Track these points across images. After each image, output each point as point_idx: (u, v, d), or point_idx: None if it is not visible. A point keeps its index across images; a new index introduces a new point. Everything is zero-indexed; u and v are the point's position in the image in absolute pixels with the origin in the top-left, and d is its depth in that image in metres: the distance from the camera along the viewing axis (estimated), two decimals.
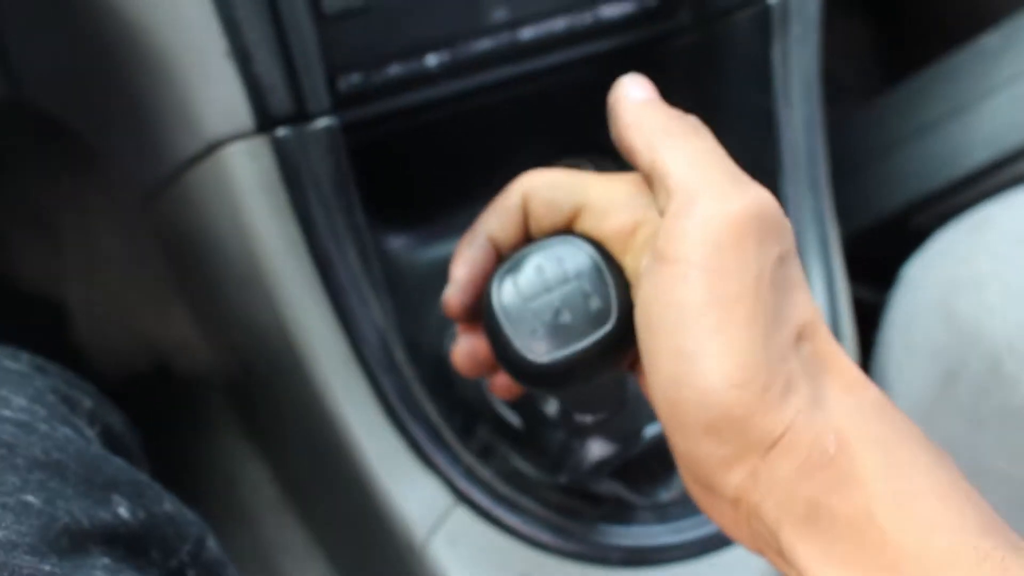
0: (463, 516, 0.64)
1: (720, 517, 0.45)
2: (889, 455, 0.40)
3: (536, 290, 0.49)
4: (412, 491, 0.64)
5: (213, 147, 0.61)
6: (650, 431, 0.65)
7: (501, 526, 0.64)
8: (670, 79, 0.79)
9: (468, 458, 0.65)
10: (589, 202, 0.50)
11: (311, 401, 0.65)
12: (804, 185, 0.73)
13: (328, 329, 0.63)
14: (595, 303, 0.48)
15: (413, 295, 0.71)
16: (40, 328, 1.00)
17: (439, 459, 0.64)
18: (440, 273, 0.73)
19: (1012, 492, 0.69)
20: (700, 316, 0.41)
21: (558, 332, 0.48)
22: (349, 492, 0.67)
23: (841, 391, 0.42)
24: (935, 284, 0.78)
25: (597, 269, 0.49)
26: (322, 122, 0.61)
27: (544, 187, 0.51)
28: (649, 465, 0.70)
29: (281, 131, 0.60)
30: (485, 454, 0.67)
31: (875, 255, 0.92)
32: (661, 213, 0.45)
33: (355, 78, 0.66)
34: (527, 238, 0.53)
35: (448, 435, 0.64)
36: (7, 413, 0.49)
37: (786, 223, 0.44)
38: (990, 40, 0.92)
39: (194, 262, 0.74)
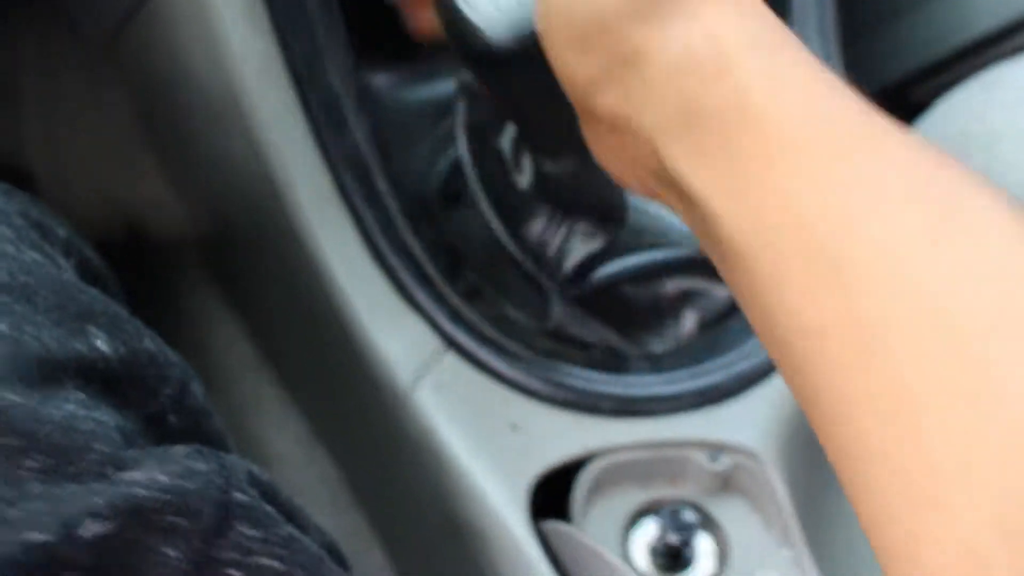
0: (451, 361, 0.61)
1: (610, 153, 0.44)
2: (766, 51, 0.38)
3: None
4: (396, 333, 0.61)
5: None
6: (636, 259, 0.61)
7: (490, 372, 0.62)
8: None
9: (454, 299, 0.62)
10: None
11: (288, 238, 0.62)
12: (813, 33, 0.70)
13: (306, 154, 0.60)
14: None
15: (397, 135, 0.68)
16: None
17: (424, 299, 0.61)
18: (424, 113, 0.70)
19: None
20: None
21: (521, 6, 0.43)
22: (330, 338, 0.64)
23: (723, 3, 0.39)
24: (945, 141, 0.75)
25: None
26: None
27: None
28: (640, 314, 0.67)
29: None
30: (471, 296, 0.64)
31: None
32: None
33: None
34: None
35: (433, 273, 0.61)
36: None
37: None
38: None
39: (164, 99, 0.70)
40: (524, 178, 0.60)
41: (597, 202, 0.59)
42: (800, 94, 0.36)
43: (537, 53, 0.43)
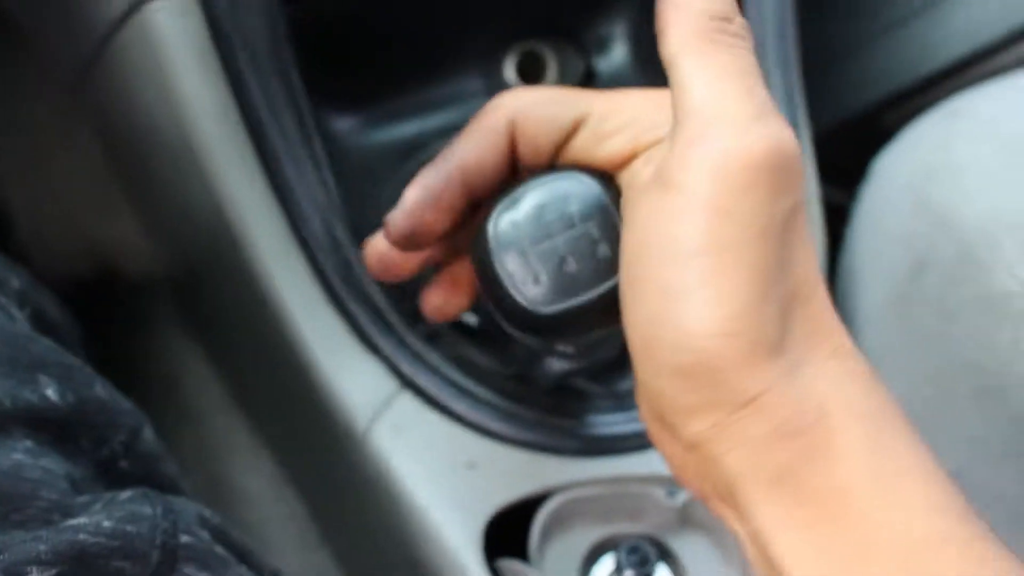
0: (408, 402, 0.61)
1: (670, 453, 0.42)
2: (871, 431, 0.37)
3: (538, 233, 0.44)
4: (353, 376, 0.61)
5: (136, 6, 0.57)
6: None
7: (448, 412, 0.62)
8: None
9: (414, 342, 0.62)
10: (592, 115, 0.45)
11: (249, 283, 0.62)
12: (774, 63, 0.70)
13: (263, 203, 0.59)
14: (603, 250, 0.44)
15: (359, 179, 0.68)
16: None
17: (383, 342, 0.61)
18: (386, 156, 0.70)
19: (981, 382, 0.67)
20: (696, 256, 0.37)
21: (562, 281, 0.44)
22: (290, 380, 0.64)
23: (829, 358, 0.39)
24: (908, 172, 0.75)
25: (605, 211, 0.44)
26: None
27: (540, 101, 0.46)
28: (607, 355, 0.67)
29: None
30: (432, 340, 0.64)
31: (844, 156, 0.90)
32: (672, 133, 0.40)
33: None
34: (511, 172, 0.47)
35: (393, 318, 0.61)
36: None
37: (802, 172, 0.39)
38: None
39: (127, 145, 0.70)
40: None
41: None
42: (907, 493, 0.36)
43: (575, 326, 0.45)
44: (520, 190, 0.45)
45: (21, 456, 0.43)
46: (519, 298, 0.44)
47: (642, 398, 0.42)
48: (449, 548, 0.59)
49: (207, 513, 0.48)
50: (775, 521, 0.37)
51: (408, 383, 0.61)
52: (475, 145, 0.46)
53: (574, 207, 0.44)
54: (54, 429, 0.46)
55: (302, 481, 0.82)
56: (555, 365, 0.60)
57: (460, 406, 0.62)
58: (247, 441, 0.86)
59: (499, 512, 0.60)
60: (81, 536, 0.41)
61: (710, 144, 0.38)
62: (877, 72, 0.93)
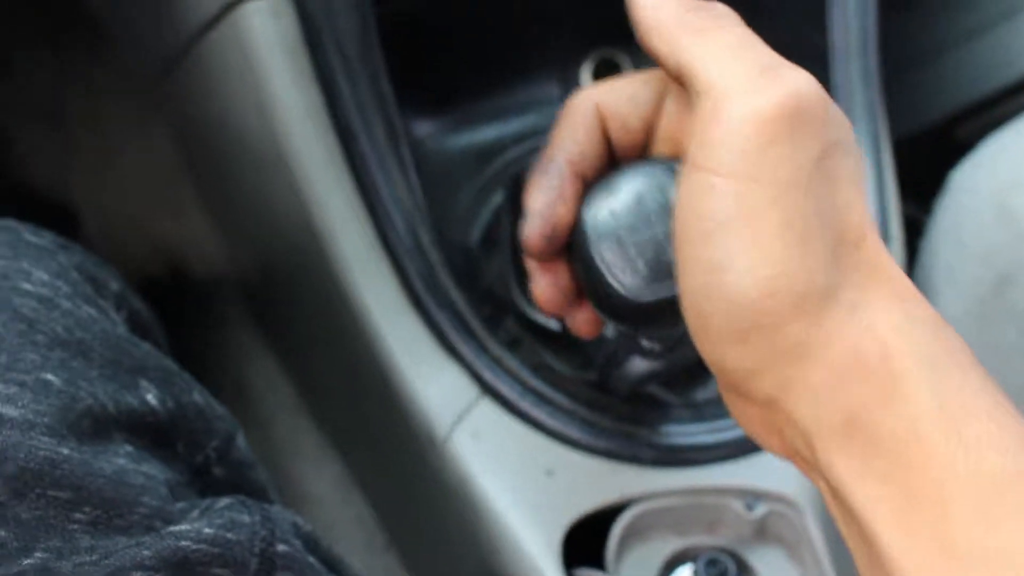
0: (488, 408, 0.61)
1: (751, 422, 0.42)
2: (937, 371, 0.37)
3: (636, 222, 0.44)
4: (435, 381, 0.61)
5: (231, 6, 0.57)
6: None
7: (527, 419, 0.61)
8: None
9: (495, 348, 0.61)
10: (673, 89, 0.45)
11: (331, 287, 0.62)
12: (856, 74, 0.70)
13: (350, 207, 0.60)
14: None
15: (440, 183, 0.68)
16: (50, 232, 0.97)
17: (464, 348, 0.61)
18: (464, 161, 0.70)
19: None
20: (730, 227, 0.38)
21: (660, 269, 0.44)
22: (369, 384, 0.64)
23: (888, 302, 0.38)
24: (989, 185, 0.74)
25: None
26: None
27: (618, 85, 0.46)
28: (685, 364, 0.67)
29: None
30: (512, 346, 0.64)
31: (917, 166, 0.89)
32: (691, 119, 0.40)
33: None
34: (608, 160, 0.47)
35: (475, 324, 0.61)
36: (27, 287, 0.46)
37: (831, 110, 0.39)
38: None
39: (208, 143, 0.71)
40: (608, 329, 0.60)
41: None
42: (976, 431, 0.35)
43: (671, 314, 0.44)
44: (616, 178, 0.45)
45: (124, 461, 0.43)
46: (617, 287, 0.44)
47: (717, 375, 0.42)
48: (527, 556, 0.59)
49: (300, 521, 0.48)
50: (850, 471, 0.37)
51: (489, 389, 0.61)
52: (572, 137, 0.46)
53: (672, 195, 0.44)
54: (153, 434, 0.46)
55: (371, 485, 0.82)
56: (637, 366, 0.59)
57: (539, 413, 0.61)
58: (314, 443, 0.86)
59: (577, 521, 0.60)
60: (183, 543, 0.42)
61: (723, 117, 0.38)
62: (952, 83, 0.92)
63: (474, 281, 0.66)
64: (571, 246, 0.46)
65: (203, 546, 0.42)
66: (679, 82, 0.42)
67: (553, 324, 0.65)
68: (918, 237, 0.83)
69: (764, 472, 0.63)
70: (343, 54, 0.57)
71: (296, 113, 0.58)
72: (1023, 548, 0.33)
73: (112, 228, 0.97)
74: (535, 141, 0.72)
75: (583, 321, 0.50)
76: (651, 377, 0.60)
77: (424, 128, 0.71)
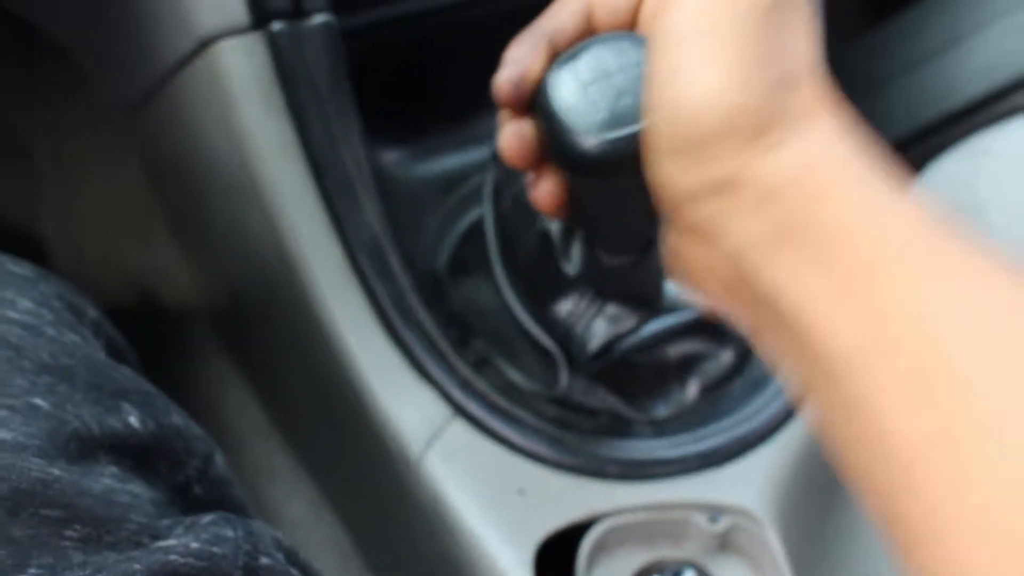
0: (459, 429, 0.63)
1: (694, 266, 0.45)
2: (862, 178, 0.39)
3: (595, 76, 0.47)
4: (407, 403, 0.63)
5: (206, 44, 0.59)
6: (646, 329, 0.64)
7: (498, 439, 0.63)
8: None
9: (464, 369, 0.63)
10: None
11: (303, 311, 0.63)
12: None
13: (321, 234, 0.61)
14: None
15: (407, 210, 0.70)
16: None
17: (434, 370, 0.63)
18: (430, 188, 0.72)
19: None
20: (686, 40, 0.41)
21: (616, 114, 0.46)
22: (342, 407, 0.66)
23: (820, 132, 0.41)
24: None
25: None
26: (318, 18, 0.59)
27: None
28: (645, 380, 0.69)
29: (276, 25, 0.58)
30: (480, 366, 0.66)
31: None
32: None
33: None
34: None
35: (443, 345, 0.63)
36: (13, 315, 0.48)
37: None
38: None
39: (181, 175, 0.72)
40: (571, 266, 0.62)
41: (639, 292, 0.61)
42: (899, 218, 0.37)
43: (628, 161, 0.45)
44: (582, 44, 0.48)
45: (110, 481, 0.45)
46: (576, 131, 0.46)
47: (663, 199, 0.44)
48: (501, 573, 0.61)
49: (279, 535, 0.50)
50: (782, 274, 0.39)
51: (459, 410, 0.63)
52: (556, 15, 0.50)
53: (630, 55, 0.47)
54: (136, 455, 0.48)
55: (345, 506, 0.83)
56: (599, 330, 0.61)
57: (509, 432, 0.63)
58: (288, 466, 0.87)
59: (548, 537, 0.62)
60: (171, 557, 0.43)
61: None
62: (901, 108, 0.95)
63: (442, 304, 0.68)
64: (535, 104, 0.48)
65: (190, 560, 0.44)
66: None
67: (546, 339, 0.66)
68: None
69: (726, 487, 0.65)
70: (314, 88, 0.59)
71: (268, 145, 0.60)
72: (947, 310, 0.35)
73: (82, 259, 0.98)
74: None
75: (544, 192, 0.53)
76: (613, 343, 0.62)
77: (392, 156, 0.73)
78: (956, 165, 0.79)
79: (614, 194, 0.49)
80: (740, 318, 0.44)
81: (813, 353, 0.39)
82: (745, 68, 0.40)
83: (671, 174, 0.42)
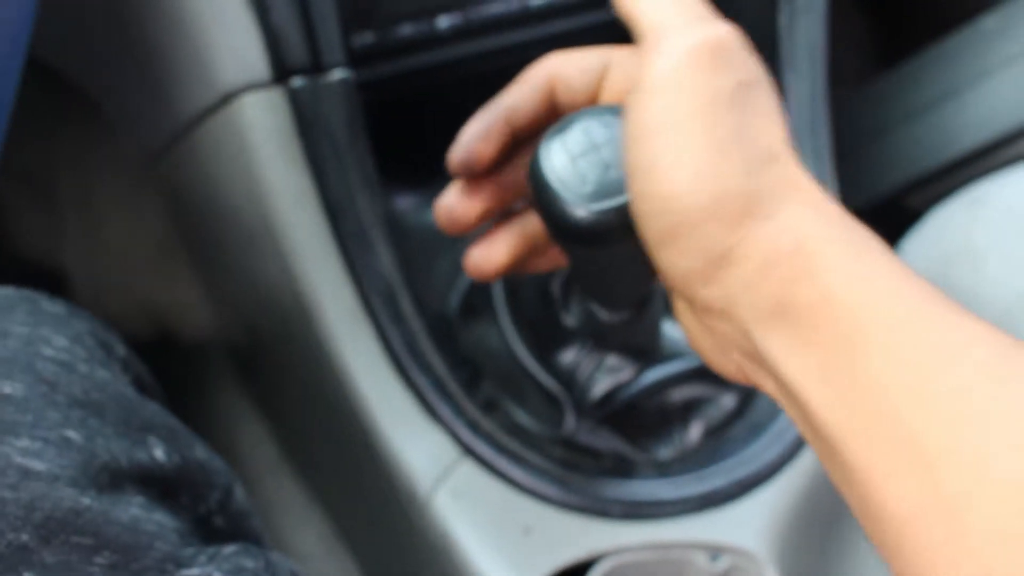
0: (468, 469, 0.65)
1: (703, 339, 0.47)
2: (847, 248, 0.41)
3: (584, 148, 0.49)
4: (417, 443, 0.65)
5: (228, 98, 0.62)
6: (650, 376, 0.66)
7: (505, 479, 0.65)
8: None
9: (472, 411, 0.65)
10: (615, 58, 0.52)
11: (317, 353, 0.66)
12: (808, 154, 0.74)
13: (336, 280, 0.63)
14: None
15: (419, 254, 0.72)
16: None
17: (444, 411, 0.65)
18: (441, 233, 0.74)
19: None
20: (659, 134, 0.44)
21: (605, 186, 0.48)
22: (354, 446, 0.68)
23: (802, 207, 0.43)
24: (932, 257, 0.79)
25: None
26: (337, 74, 0.62)
27: (574, 55, 0.53)
28: (648, 423, 0.71)
29: (297, 81, 0.61)
30: (489, 408, 0.68)
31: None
32: (638, 54, 0.48)
33: (368, 36, 0.67)
34: (548, 116, 0.54)
35: (453, 388, 0.65)
36: (49, 352, 0.50)
37: (749, 57, 0.46)
38: (987, 21, 0.94)
39: (201, 219, 0.75)
40: (571, 319, 0.65)
41: (637, 344, 0.63)
42: (880, 287, 0.39)
43: (619, 230, 0.48)
44: (570, 117, 0.51)
45: (137, 511, 0.47)
46: (568, 197, 0.49)
47: (667, 282, 0.47)
48: None
49: (297, 568, 0.52)
50: (783, 350, 0.41)
51: (468, 450, 0.65)
52: (518, 92, 0.54)
53: (617, 129, 0.49)
54: (161, 486, 0.50)
55: (356, 541, 0.85)
56: (600, 379, 0.63)
57: (516, 472, 0.65)
58: (301, 501, 0.89)
59: (552, 575, 0.64)
60: None
61: (660, 49, 0.45)
62: (902, 156, 0.97)
63: (452, 347, 0.70)
64: (529, 172, 0.51)
65: None
66: (632, 28, 0.48)
67: (525, 358, 0.69)
68: None
69: (726, 527, 0.67)
70: (332, 140, 0.62)
71: (287, 195, 0.62)
72: (925, 379, 0.37)
73: (101, 293, 1.00)
74: None
75: (474, 258, 0.57)
76: (615, 391, 0.64)
77: (406, 202, 0.75)
78: (954, 213, 0.81)
79: (607, 260, 0.52)
80: (760, 387, 0.45)
81: (812, 424, 0.40)
82: (720, 153, 0.43)
83: (672, 260, 0.44)
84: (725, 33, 0.45)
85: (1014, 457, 0.34)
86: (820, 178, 0.75)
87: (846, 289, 0.40)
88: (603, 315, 0.59)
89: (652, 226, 0.44)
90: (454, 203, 0.56)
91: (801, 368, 0.41)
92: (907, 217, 0.90)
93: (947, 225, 0.80)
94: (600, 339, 0.63)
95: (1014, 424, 0.35)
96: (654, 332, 0.63)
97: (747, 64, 0.46)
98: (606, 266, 0.54)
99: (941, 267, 0.77)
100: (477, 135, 0.54)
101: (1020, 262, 0.73)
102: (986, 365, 0.37)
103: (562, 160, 0.49)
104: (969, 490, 0.35)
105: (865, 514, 0.39)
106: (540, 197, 0.50)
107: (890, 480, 0.37)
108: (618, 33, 0.74)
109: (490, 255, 0.57)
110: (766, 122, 0.45)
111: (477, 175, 0.55)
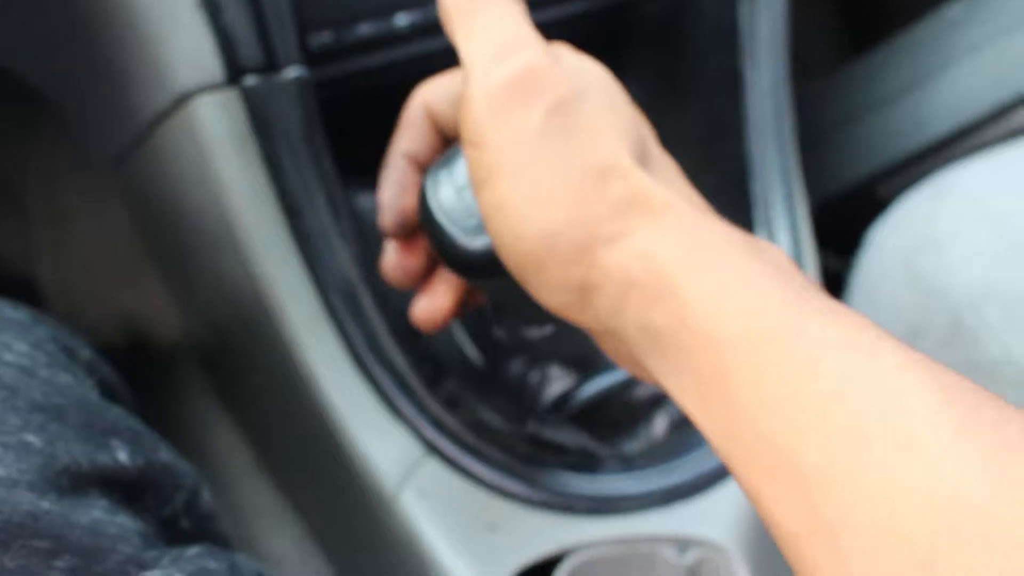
0: (433, 467, 0.65)
1: (616, 355, 0.47)
2: (702, 266, 0.40)
3: (468, 182, 0.49)
4: (382, 442, 0.65)
5: (183, 100, 0.61)
6: (593, 385, 0.66)
7: (470, 476, 0.65)
8: (640, 42, 0.81)
9: (436, 408, 0.65)
10: None
11: (280, 353, 0.65)
12: (770, 145, 0.74)
13: (296, 278, 0.63)
14: None
15: (381, 252, 0.72)
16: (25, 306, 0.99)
17: (407, 409, 0.65)
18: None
19: None
20: (487, 182, 0.44)
21: None
22: (319, 446, 0.68)
23: (648, 226, 0.42)
24: (899, 246, 0.79)
25: None
26: (291, 72, 0.61)
27: (442, 82, 0.54)
28: (613, 417, 0.71)
29: (250, 80, 0.61)
30: (452, 404, 0.68)
31: (841, 224, 0.94)
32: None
33: (326, 36, 0.67)
34: (443, 144, 0.54)
35: (415, 384, 0.65)
36: (9, 357, 0.50)
37: (565, 73, 0.45)
38: (952, 10, 0.94)
39: (164, 223, 0.74)
40: (504, 334, 0.65)
41: (571, 355, 0.63)
42: (741, 310, 0.39)
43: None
44: (450, 152, 0.51)
45: (99, 514, 0.47)
46: (457, 237, 0.49)
47: (554, 312, 0.46)
48: None
49: (262, 569, 0.52)
50: (660, 372, 0.41)
51: (432, 448, 0.65)
52: (406, 135, 0.55)
53: None
54: (124, 489, 0.50)
55: (329, 542, 0.85)
56: (549, 387, 0.64)
57: (481, 469, 0.65)
58: (272, 504, 0.89)
59: (519, 572, 0.64)
60: None
61: (466, 97, 0.45)
62: (870, 145, 0.97)
63: (415, 344, 0.70)
64: (418, 212, 0.51)
65: None
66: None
67: (473, 353, 0.69)
68: (842, 288, 0.88)
69: (693, 520, 0.67)
70: (288, 139, 0.62)
71: (245, 195, 0.62)
72: (788, 396, 0.36)
73: (74, 301, 1.00)
74: None
75: (420, 310, 0.57)
76: (567, 397, 0.64)
77: (367, 201, 0.75)
78: (919, 202, 0.81)
79: (505, 285, 0.51)
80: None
81: (711, 442, 0.40)
82: (541, 189, 0.42)
83: (541, 294, 0.45)
84: (528, 61, 0.44)
85: (883, 471, 0.33)
86: (784, 169, 0.74)
87: (703, 312, 0.39)
88: (525, 332, 0.59)
89: (510, 264, 0.45)
90: (397, 263, 0.57)
91: (680, 391, 0.41)
92: (877, 206, 0.90)
93: (913, 214, 0.81)
94: (538, 351, 0.63)
95: (878, 433, 0.34)
96: (584, 342, 0.63)
97: (561, 83, 0.44)
98: (508, 290, 0.53)
99: (909, 253, 0.77)
100: (395, 191, 0.54)
101: (981, 249, 0.73)
102: (850, 367, 0.35)
103: (447, 193, 0.50)
104: (842, 510, 0.34)
105: (771, 531, 0.38)
106: (428, 230, 0.50)
107: (778, 505, 0.36)
108: (579, 28, 0.74)
109: (434, 306, 0.57)
110: (591, 138, 0.44)
111: (413, 228, 0.55)
